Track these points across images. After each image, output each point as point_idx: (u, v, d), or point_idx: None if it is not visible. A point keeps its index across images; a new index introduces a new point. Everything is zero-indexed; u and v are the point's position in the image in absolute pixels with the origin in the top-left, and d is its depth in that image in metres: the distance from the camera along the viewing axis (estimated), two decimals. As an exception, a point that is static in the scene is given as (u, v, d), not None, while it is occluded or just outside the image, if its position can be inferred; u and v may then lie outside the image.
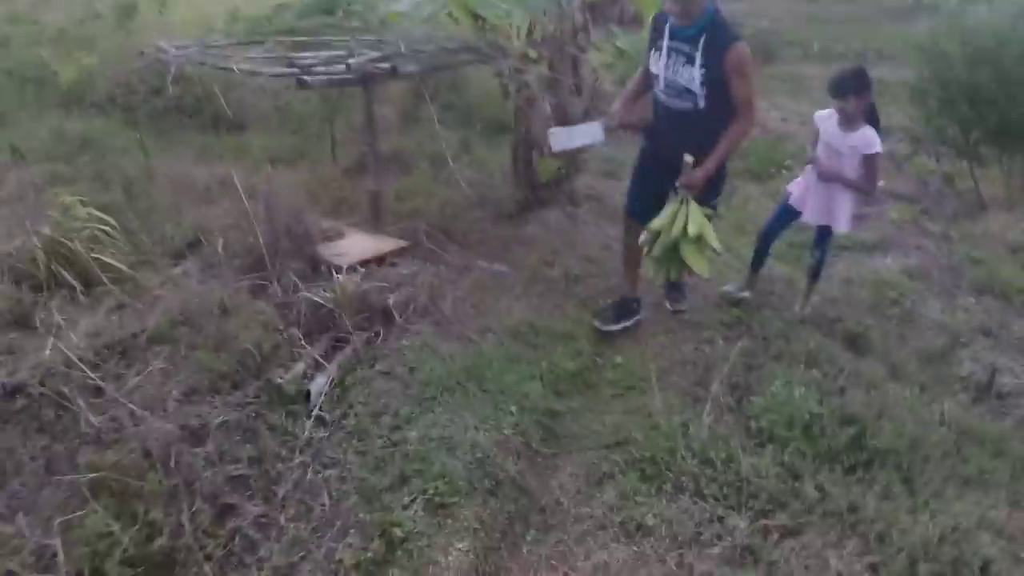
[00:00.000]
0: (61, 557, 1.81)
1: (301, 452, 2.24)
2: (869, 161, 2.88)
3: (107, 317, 2.65)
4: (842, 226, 3.04)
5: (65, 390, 2.24)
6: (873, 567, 1.93)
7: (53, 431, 2.18)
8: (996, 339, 3.53)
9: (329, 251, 3.25)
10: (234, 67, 3.53)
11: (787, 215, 3.19)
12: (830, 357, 2.84)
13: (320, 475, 2.17)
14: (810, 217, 3.10)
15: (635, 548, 1.98)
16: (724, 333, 3.00)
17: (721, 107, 2.62)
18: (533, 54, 3.71)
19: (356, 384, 2.53)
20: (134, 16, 5.82)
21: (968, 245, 4.62)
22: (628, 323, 3.13)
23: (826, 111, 2.99)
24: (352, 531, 1.98)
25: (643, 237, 2.75)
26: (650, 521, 2.03)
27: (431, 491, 2.07)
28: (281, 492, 2.10)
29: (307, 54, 3.71)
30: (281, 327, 2.68)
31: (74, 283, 2.84)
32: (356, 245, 3.37)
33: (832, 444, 2.27)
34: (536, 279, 3.43)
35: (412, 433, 2.28)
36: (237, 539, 1.94)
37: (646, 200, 2.94)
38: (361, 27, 4.21)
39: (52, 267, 2.86)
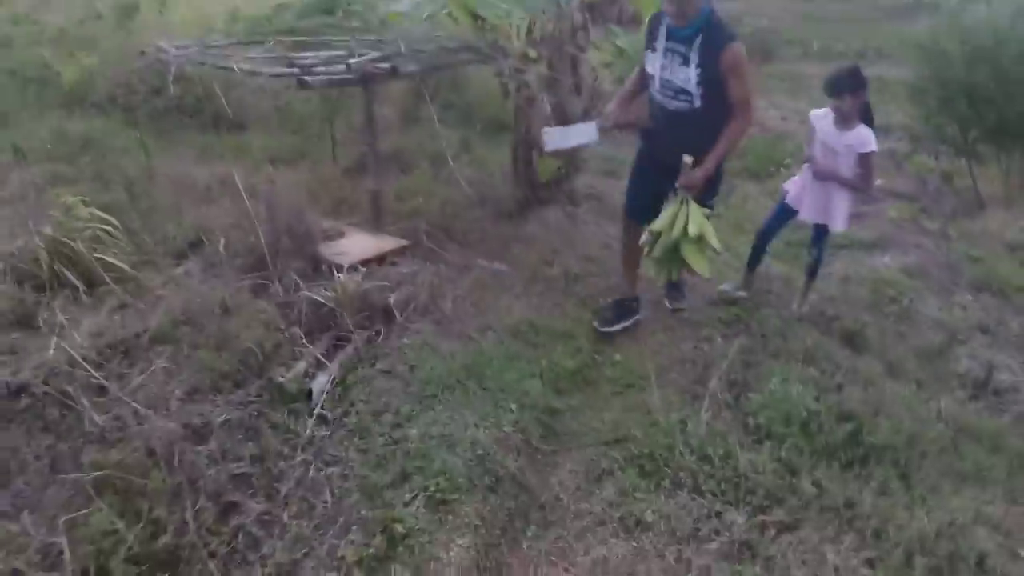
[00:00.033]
0: (67, 555, 1.82)
1: (303, 450, 2.26)
2: (865, 160, 2.90)
3: (110, 317, 2.67)
4: (839, 225, 3.06)
5: (69, 389, 2.25)
6: (870, 562, 1.95)
7: (57, 430, 2.20)
8: (994, 336, 3.55)
9: (330, 250, 3.27)
10: (234, 67, 3.54)
11: (784, 214, 3.21)
12: (828, 355, 2.86)
13: (322, 473, 2.19)
14: (807, 216, 3.11)
15: (634, 543, 2.01)
16: (722, 331, 3.01)
17: (717, 107, 2.64)
18: (532, 54, 3.73)
19: (357, 382, 2.55)
20: (134, 16, 5.83)
21: (966, 243, 4.64)
22: (627, 323, 3.15)
23: (822, 110, 3.01)
24: (354, 528, 2.00)
25: (644, 238, 2.76)
26: (649, 517, 2.06)
27: (432, 488, 2.09)
28: (284, 490, 2.12)
29: (307, 54, 3.73)
30: (282, 326, 2.70)
31: (77, 283, 2.85)
32: (357, 244, 3.39)
33: (829, 440, 2.29)
34: (536, 278, 3.45)
35: (413, 431, 2.30)
36: (240, 536, 1.96)
37: (644, 201, 2.95)
38: (361, 27, 4.23)
39: (55, 267, 2.88)
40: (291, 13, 4.69)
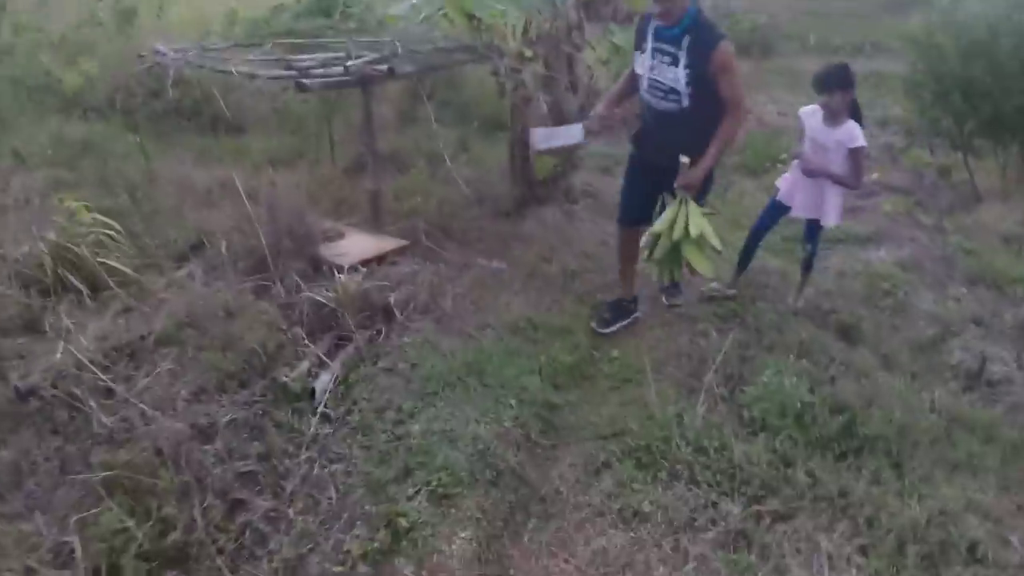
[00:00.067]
0: (79, 553, 1.87)
1: (307, 448, 2.31)
2: (854, 155, 2.93)
3: (115, 320, 2.72)
4: (831, 219, 3.10)
5: (77, 392, 2.30)
6: (863, 549, 2.00)
7: (66, 432, 2.24)
8: (988, 328, 3.58)
9: (330, 251, 3.31)
10: (232, 70, 3.58)
11: (776, 211, 3.25)
12: (823, 348, 2.90)
13: (326, 470, 2.24)
14: (799, 211, 3.15)
15: (632, 534, 2.05)
16: (718, 326, 3.06)
17: (706, 106, 2.67)
18: (528, 53, 3.76)
19: (359, 381, 2.60)
20: (133, 21, 5.85)
21: (962, 236, 4.66)
22: (625, 322, 3.19)
23: (811, 107, 3.05)
24: (359, 523, 2.04)
25: (644, 241, 2.78)
26: (646, 508, 2.10)
27: (434, 483, 2.13)
28: (289, 487, 2.17)
29: (305, 56, 3.76)
30: (285, 327, 2.74)
31: (81, 287, 2.90)
32: (356, 245, 3.43)
33: (823, 432, 2.34)
34: (534, 275, 3.49)
35: (415, 427, 2.35)
36: (248, 533, 2.01)
37: (638, 205, 3.00)
38: (358, 28, 4.26)
39: (59, 272, 2.93)
40: (288, 15, 4.72)
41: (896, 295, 3.77)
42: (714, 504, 2.11)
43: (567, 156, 4.17)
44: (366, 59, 3.47)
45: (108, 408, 2.26)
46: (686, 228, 2.64)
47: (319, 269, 3.15)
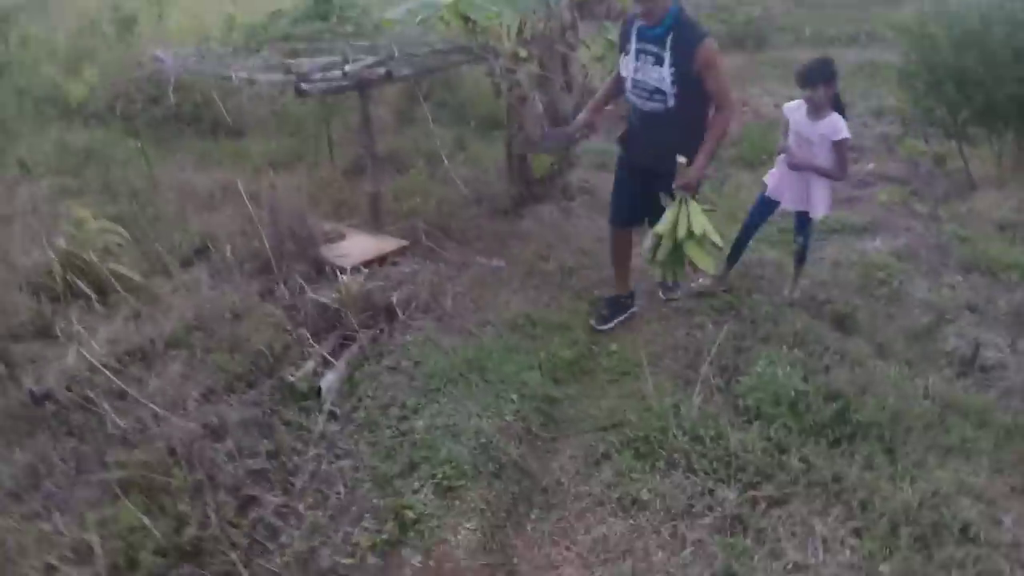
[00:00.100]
0: (98, 550, 1.93)
1: (315, 445, 2.37)
2: (838, 147, 2.98)
3: (124, 324, 2.79)
4: (819, 211, 3.15)
5: (91, 395, 2.37)
6: (856, 532, 2.06)
7: (81, 434, 2.32)
8: (982, 315, 3.62)
9: (332, 253, 3.37)
10: (232, 75, 3.63)
11: (766, 207, 3.30)
12: (817, 337, 2.95)
13: (334, 465, 2.30)
14: (788, 204, 3.20)
15: (632, 521, 2.11)
16: (714, 318, 3.11)
17: (692, 106, 2.71)
18: (523, 53, 3.81)
19: (364, 379, 2.66)
20: (133, 29, 5.91)
21: (956, 224, 4.70)
22: (622, 317, 3.24)
23: (795, 102, 3.10)
24: (367, 516, 2.11)
25: (647, 243, 2.81)
26: (645, 496, 2.16)
27: (439, 476, 2.20)
28: (299, 483, 2.23)
29: (303, 60, 3.81)
30: (290, 328, 2.81)
31: (90, 293, 2.97)
32: (358, 246, 3.49)
33: (817, 419, 2.39)
34: (532, 272, 3.55)
35: (419, 423, 2.41)
36: (260, 527, 2.07)
37: (628, 205, 3.04)
38: (355, 32, 4.30)
39: (68, 279, 3.00)
40: (286, 20, 4.77)
41: (891, 284, 3.81)
42: (711, 491, 2.17)
43: (563, 154, 4.23)
44: (364, 63, 3.53)
45: (121, 410, 2.33)
46: (689, 227, 2.66)
47: (322, 270, 3.22)
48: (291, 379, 2.57)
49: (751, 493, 2.15)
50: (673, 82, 2.67)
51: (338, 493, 2.20)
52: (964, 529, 2.10)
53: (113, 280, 3.01)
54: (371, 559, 1.99)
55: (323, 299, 2.92)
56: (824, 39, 9.81)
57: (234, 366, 2.56)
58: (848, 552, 1.99)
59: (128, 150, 4.90)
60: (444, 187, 4.23)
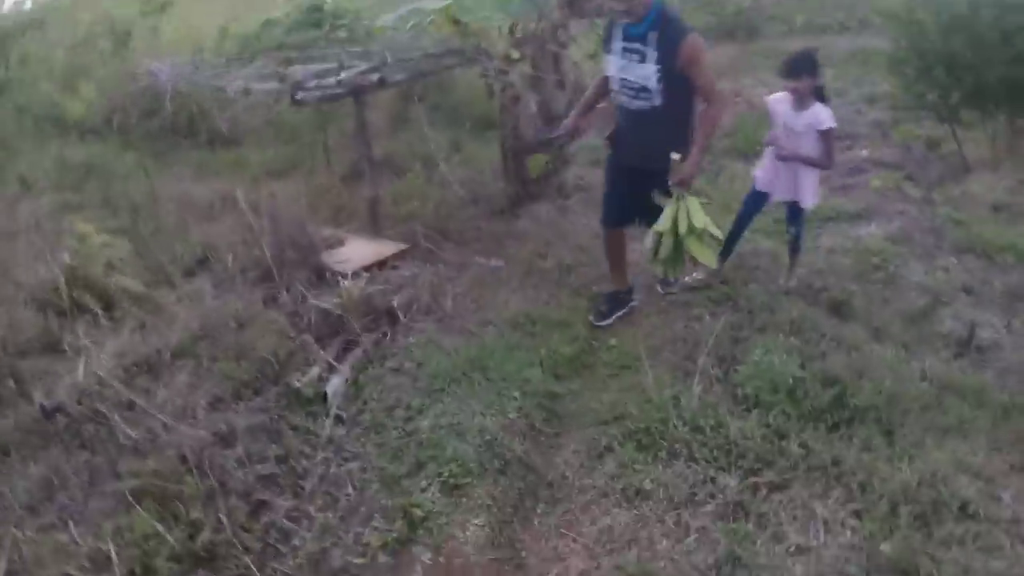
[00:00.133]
0: (115, 559, 1.97)
1: (323, 448, 2.41)
2: (824, 136, 3.02)
3: (131, 337, 2.83)
4: (808, 200, 3.18)
5: (101, 407, 2.41)
6: (856, 513, 2.09)
7: (93, 446, 2.36)
8: (977, 296, 3.66)
9: (332, 259, 3.41)
10: (227, 87, 3.68)
11: (757, 200, 3.33)
12: (814, 324, 2.99)
13: (343, 468, 2.34)
14: (779, 196, 3.24)
15: (636, 511, 2.15)
16: (712, 310, 3.14)
17: (678, 102, 2.72)
18: (515, 54, 3.85)
19: (369, 382, 2.70)
20: (128, 43, 5.95)
21: (951, 207, 4.73)
22: (621, 312, 3.27)
23: (779, 95, 3.13)
24: (376, 516, 2.15)
25: (648, 242, 2.82)
26: (648, 486, 2.20)
27: (446, 474, 2.24)
28: (308, 486, 2.27)
29: (298, 68, 3.86)
30: (294, 334, 2.85)
31: (95, 307, 3.01)
32: (357, 251, 3.53)
33: (815, 404, 2.43)
34: (531, 271, 3.58)
35: (424, 423, 2.45)
36: (272, 531, 2.11)
37: (619, 204, 3.07)
38: (348, 39, 4.34)
39: (73, 294, 3.04)
40: (279, 29, 4.80)
41: (887, 269, 3.84)
42: (712, 479, 2.20)
43: (558, 152, 4.26)
44: (358, 69, 3.57)
45: (132, 421, 2.37)
46: (689, 223, 2.68)
47: (323, 277, 3.26)
48: (297, 385, 2.61)
49: (752, 479, 2.19)
50: (659, 79, 2.68)
51: (347, 495, 2.24)
52: (963, 506, 2.13)
53: (118, 293, 3.06)
54: (382, 558, 2.03)
55: (325, 305, 2.96)
56: (815, 27, 9.82)
57: (240, 374, 2.61)
58: (849, 533, 2.03)
59: (127, 164, 4.94)
60: (441, 189, 4.27)
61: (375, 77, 3.54)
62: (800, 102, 3.02)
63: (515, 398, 2.62)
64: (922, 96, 5.62)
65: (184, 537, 2.01)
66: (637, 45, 2.69)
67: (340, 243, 3.63)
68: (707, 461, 2.26)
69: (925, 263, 3.97)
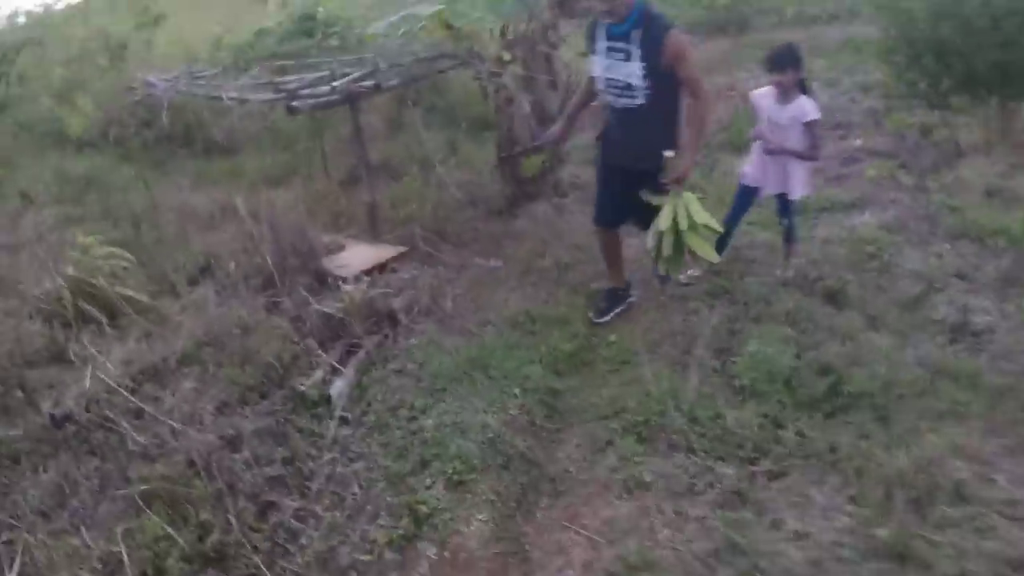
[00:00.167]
0: (127, 561, 2.02)
1: (329, 449, 2.46)
2: (809, 128, 3.05)
3: (137, 345, 2.87)
4: (796, 192, 3.22)
5: (109, 414, 2.46)
6: (852, 498, 2.13)
7: (103, 452, 2.40)
8: (971, 281, 3.68)
9: (333, 264, 3.45)
10: (223, 96, 3.72)
11: (747, 196, 3.37)
12: (809, 314, 3.02)
13: (349, 468, 2.39)
14: (769, 189, 3.28)
15: (637, 503, 2.19)
16: (709, 303, 3.18)
17: (665, 99, 2.73)
18: (507, 56, 3.89)
19: (372, 383, 2.75)
20: (123, 56, 6.01)
21: (944, 194, 4.75)
22: (620, 309, 3.30)
23: (763, 89, 3.17)
24: (382, 513, 2.19)
25: (650, 242, 2.83)
26: (648, 478, 2.24)
27: (450, 471, 2.28)
28: (315, 486, 2.32)
29: (292, 77, 3.90)
30: (297, 339, 2.90)
31: (100, 317, 3.06)
32: (357, 256, 3.57)
33: (810, 393, 2.47)
34: (529, 270, 3.62)
35: (428, 421, 2.49)
36: (280, 531, 2.15)
37: (611, 205, 3.09)
38: (340, 46, 4.38)
39: (78, 304, 3.09)
40: (272, 38, 4.85)
41: (881, 257, 3.87)
42: (711, 469, 2.24)
43: (553, 152, 4.30)
44: (352, 77, 3.61)
45: (140, 427, 2.42)
46: (690, 220, 2.69)
47: (324, 282, 3.30)
48: (302, 388, 2.66)
49: (750, 468, 2.23)
50: (644, 76, 2.68)
51: (354, 494, 2.28)
52: (957, 490, 2.16)
53: (122, 303, 3.10)
54: (388, 554, 2.07)
55: (327, 309, 3.00)
56: (806, 18, 9.84)
57: (246, 379, 2.65)
58: (845, 518, 2.06)
59: (125, 175, 4.99)
60: (438, 192, 4.30)
61: (370, 83, 3.58)
62: (784, 95, 3.06)
63: (516, 395, 2.66)
64: (913, 84, 5.65)
65: (194, 538, 2.06)
66: (621, 44, 2.70)
67: (340, 248, 3.67)
68: (705, 452, 2.30)
69: (919, 250, 3.99)
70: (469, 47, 3.81)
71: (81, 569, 2.02)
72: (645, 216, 2.87)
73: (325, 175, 4.78)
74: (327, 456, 2.43)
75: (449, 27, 3.76)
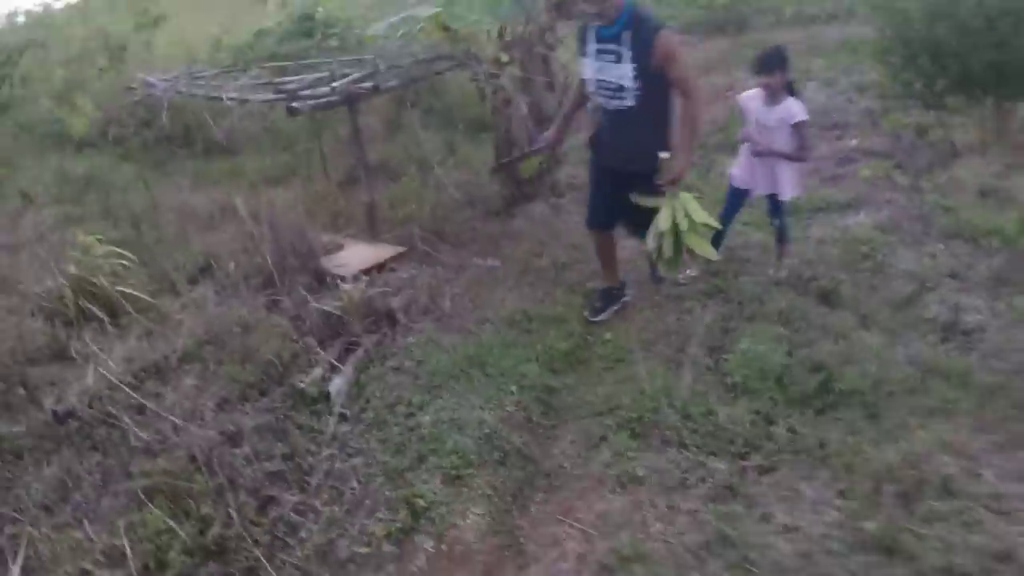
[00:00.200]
0: (129, 554, 2.06)
1: (328, 445, 2.49)
2: (797, 129, 3.09)
3: (138, 343, 2.91)
4: (786, 193, 3.26)
5: (111, 411, 2.50)
6: (841, 493, 2.17)
7: (105, 448, 2.44)
8: (963, 281, 3.72)
9: (332, 263, 3.49)
10: (223, 97, 3.76)
11: (737, 198, 3.41)
12: (802, 313, 3.06)
13: (347, 463, 2.42)
14: (760, 190, 3.32)
15: (630, 497, 2.23)
16: (703, 302, 3.22)
17: (656, 100, 2.75)
18: (504, 58, 3.92)
19: (371, 381, 2.78)
20: (123, 56, 6.04)
21: (939, 194, 4.79)
22: (615, 308, 3.34)
23: (751, 92, 3.21)
24: (381, 507, 2.23)
25: (651, 243, 2.84)
26: (641, 473, 2.28)
27: (447, 466, 2.33)
28: (314, 481, 2.35)
29: (291, 78, 3.93)
30: (297, 337, 2.94)
31: (102, 315, 3.10)
32: (356, 255, 3.61)
33: (801, 390, 2.50)
34: (527, 270, 3.66)
35: (425, 418, 2.53)
36: (280, 525, 2.19)
37: (603, 207, 3.12)
38: (339, 48, 4.41)
39: (80, 303, 3.12)
40: (272, 39, 4.88)
41: (875, 257, 3.91)
42: (702, 464, 2.28)
43: (551, 153, 4.33)
44: (351, 78, 3.64)
45: (142, 423, 2.45)
46: (689, 219, 2.71)
47: (323, 281, 3.34)
48: (301, 385, 2.69)
49: (741, 463, 2.27)
50: (635, 77, 2.69)
51: (352, 488, 2.32)
52: (945, 484, 2.20)
53: (123, 302, 3.14)
54: (386, 547, 2.11)
55: (327, 308, 3.04)
56: (804, 18, 9.87)
57: (246, 376, 2.69)
58: (834, 512, 2.10)
59: (125, 175, 5.02)
60: (437, 192, 4.34)
61: (368, 84, 3.61)
62: (772, 97, 3.10)
63: (513, 392, 2.70)
64: (909, 84, 5.68)
65: (195, 532, 2.10)
66: (612, 46, 2.72)
67: (339, 248, 3.71)
68: (698, 447, 2.34)
69: (913, 250, 4.03)
70: (467, 49, 3.84)
71: (84, 562, 2.05)
72: (636, 219, 2.89)
73: (324, 175, 4.81)
74: (326, 452, 2.47)
75: (447, 29, 3.79)
